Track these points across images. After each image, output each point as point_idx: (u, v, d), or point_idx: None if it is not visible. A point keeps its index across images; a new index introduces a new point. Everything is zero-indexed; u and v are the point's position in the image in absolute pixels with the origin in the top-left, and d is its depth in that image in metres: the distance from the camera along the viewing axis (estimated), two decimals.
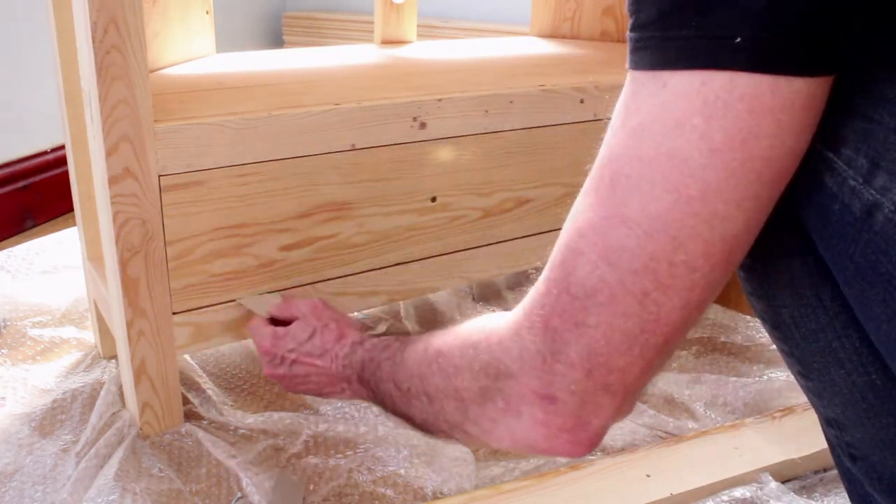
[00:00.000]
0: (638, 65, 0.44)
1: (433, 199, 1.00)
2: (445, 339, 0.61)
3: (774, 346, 1.18)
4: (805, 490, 0.88)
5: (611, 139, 0.46)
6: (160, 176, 0.81)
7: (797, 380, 0.55)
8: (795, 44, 0.39)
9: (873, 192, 0.41)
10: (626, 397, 0.50)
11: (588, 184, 0.48)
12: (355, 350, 0.77)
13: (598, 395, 0.49)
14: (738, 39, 0.39)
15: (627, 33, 0.45)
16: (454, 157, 0.99)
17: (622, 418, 0.53)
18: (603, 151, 0.47)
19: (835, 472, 0.90)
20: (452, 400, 0.58)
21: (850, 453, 0.54)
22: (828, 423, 0.55)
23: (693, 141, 0.42)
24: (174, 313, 0.87)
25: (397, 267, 1.02)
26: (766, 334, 1.23)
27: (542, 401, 0.50)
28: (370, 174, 0.94)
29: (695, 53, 0.41)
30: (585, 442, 0.51)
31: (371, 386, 0.72)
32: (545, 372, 0.49)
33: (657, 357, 0.49)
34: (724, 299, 1.28)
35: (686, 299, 0.46)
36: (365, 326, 0.85)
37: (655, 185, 0.43)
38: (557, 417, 0.50)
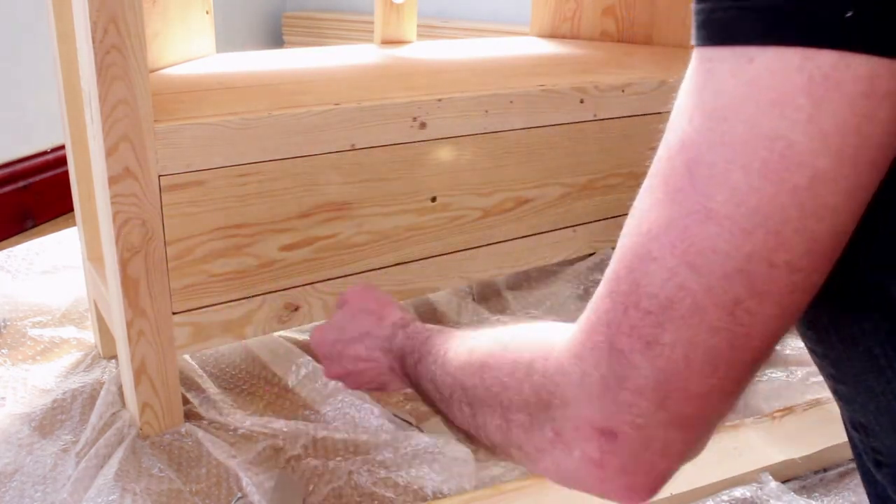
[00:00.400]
0: (711, 39, 0.38)
1: (433, 199, 1.00)
2: (493, 348, 0.54)
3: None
4: (805, 490, 0.88)
5: (682, 125, 0.40)
6: (160, 176, 0.81)
7: (826, 381, 0.52)
8: None
9: None
10: (701, 434, 0.43)
11: (652, 179, 0.41)
12: (396, 333, 0.72)
13: (669, 431, 0.42)
14: (850, 13, 0.34)
15: (693, 4, 0.39)
16: (454, 157, 0.99)
17: (698, 453, 0.45)
18: (670, 140, 0.40)
19: (835, 472, 0.90)
20: (497, 419, 0.51)
21: (875, 459, 0.51)
22: (854, 427, 0.52)
23: (799, 123, 0.36)
24: (174, 313, 0.87)
25: (397, 267, 1.02)
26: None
27: (600, 436, 0.43)
28: (370, 174, 0.94)
29: (792, 28, 0.36)
30: (645, 488, 0.44)
31: (412, 379, 0.67)
32: (609, 401, 0.42)
33: (742, 380, 0.42)
34: None
35: (784, 307, 0.40)
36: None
37: (751, 172, 0.37)
38: (616, 457, 0.43)
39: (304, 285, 0.95)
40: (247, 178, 0.86)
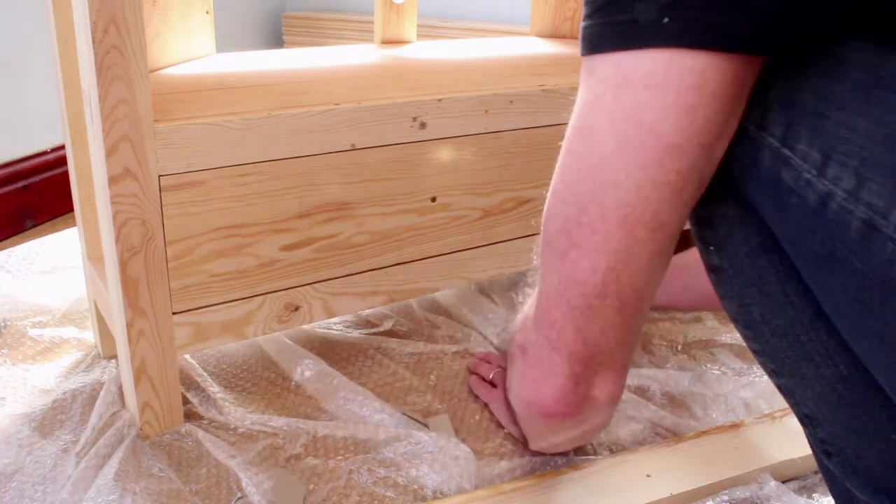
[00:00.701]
0: (582, 51, 0.50)
1: (433, 199, 1.00)
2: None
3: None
4: (805, 490, 0.88)
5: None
6: (160, 176, 0.81)
7: (771, 378, 0.57)
8: (688, 22, 0.43)
9: (826, 183, 0.43)
10: (571, 360, 0.59)
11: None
12: None
13: (545, 351, 0.59)
14: (637, 20, 0.45)
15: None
16: (454, 157, 0.99)
17: (595, 384, 0.62)
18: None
19: None
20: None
21: (824, 449, 0.55)
22: (802, 422, 0.57)
23: (601, 116, 0.48)
24: (174, 313, 0.87)
25: (397, 267, 1.02)
26: None
27: (521, 354, 0.65)
28: (370, 174, 0.94)
29: (607, 37, 0.47)
30: (549, 397, 0.62)
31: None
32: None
33: (585, 320, 0.56)
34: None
35: (595, 262, 0.52)
36: None
37: (570, 156, 0.52)
38: (527, 367, 0.64)
39: (304, 285, 0.95)
40: (247, 178, 0.86)
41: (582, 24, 0.49)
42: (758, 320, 0.54)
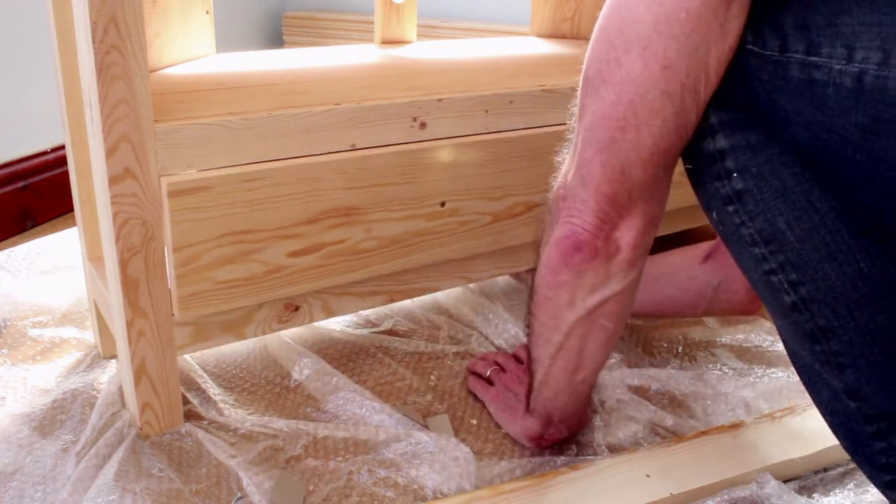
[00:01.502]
0: None
1: (442, 204, 0.99)
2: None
3: (775, 349, 1.17)
4: (805, 490, 0.88)
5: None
6: (166, 181, 0.80)
7: (788, 296, 0.61)
8: None
9: (856, 65, 0.51)
10: (598, 196, 0.66)
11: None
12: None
13: (579, 189, 0.68)
14: None
15: None
16: (461, 160, 0.98)
17: (612, 232, 0.69)
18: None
19: (835, 472, 0.90)
20: None
21: (838, 363, 0.60)
22: (814, 338, 0.60)
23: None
24: (177, 322, 0.87)
25: (406, 273, 1.02)
26: (772, 337, 1.22)
27: (561, 187, 0.72)
28: (376, 178, 0.93)
29: None
30: (578, 228, 0.69)
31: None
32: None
33: (609, 154, 0.64)
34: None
35: (618, 94, 0.61)
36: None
37: (605, 6, 0.61)
38: (566, 209, 0.71)
39: (311, 293, 0.95)
40: (254, 182, 0.85)
41: None
42: (783, 229, 0.59)
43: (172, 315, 0.87)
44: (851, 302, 0.58)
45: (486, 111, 0.99)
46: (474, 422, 0.98)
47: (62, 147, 0.98)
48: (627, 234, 0.69)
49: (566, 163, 0.71)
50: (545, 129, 1.04)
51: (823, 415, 0.65)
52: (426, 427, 0.95)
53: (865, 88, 0.50)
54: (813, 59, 0.53)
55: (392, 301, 1.05)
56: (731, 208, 0.61)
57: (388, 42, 1.27)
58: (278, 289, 0.91)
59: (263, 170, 0.85)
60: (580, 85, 0.67)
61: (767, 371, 1.09)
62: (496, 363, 1.04)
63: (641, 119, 0.61)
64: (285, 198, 0.87)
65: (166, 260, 0.84)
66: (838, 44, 0.52)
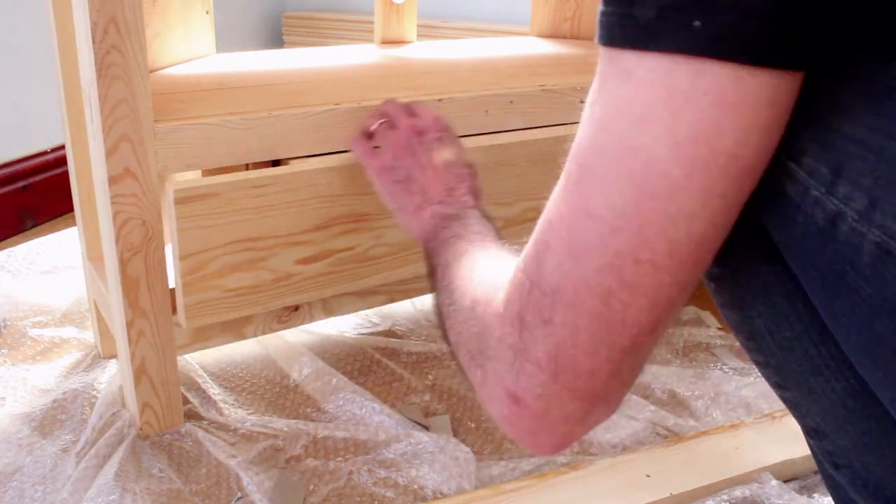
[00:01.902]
0: (601, 39, 0.43)
1: None
2: (472, 271, 0.61)
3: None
4: (805, 490, 0.88)
5: (581, 128, 0.45)
6: (173, 187, 0.78)
7: (774, 391, 0.54)
8: (760, 32, 0.38)
9: (836, 202, 0.39)
10: (596, 403, 0.48)
11: (561, 176, 0.47)
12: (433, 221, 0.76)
13: (566, 401, 0.47)
14: (698, 23, 0.38)
15: (599, 6, 0.43)
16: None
17: (601, 422, 0.50)
18: (575, 140, 0.46)
19: None
20: (455, 335, 0.58)
21: (832, 461, 0.53)
22: (808, 434, 0.54)
23: (658, 136, 0.40)
24: (183, 327, 0.87)
25: (416, 279, 1.00)
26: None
27: (509, 398, 0.48)
28: None
29: (655, 34, 0.40)
30: (550, 446, 0.50)
31: (429, 252, 0.72)
32: (515, 369, 0.47)
33: (627, 360, 0.46)
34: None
35: (653, 299, 0.44)
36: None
37: (620, 179, 0.42)
38: (523, 419, 0.48)
39: (319, 300, 0.93)
40: (263, 189, 0.83)
41: (613, 5, 0.42)
42: (762, 332, 0.50)
43: (179, 325, 0.86)
44: (841, 416, 0.49)
45: (486, 111, 0.99)
46: (474, 421, 0.98)
47: (62, 147, 0.98)
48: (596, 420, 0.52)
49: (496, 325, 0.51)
50: (558, 133, 1.02)
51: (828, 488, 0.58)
52: (426, 427, 0.95)
53: (838, 237, 0.40)
54: (792, 165, 0.42)
55: (392, 301, 1.05)
56: (710, 285, 0.52)
57: (388, 42, 1.27)
58: (286, 296, 0.89)
59: (273, 175, 0.84)
60: (545, 276, 0.46)
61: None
62: (384, 116, 0.88)
63: (678, 309, 0.47)
64: (295, 204, 0.86)
65: (173, 268, 0.82)
66: (824, 158, 0.40)
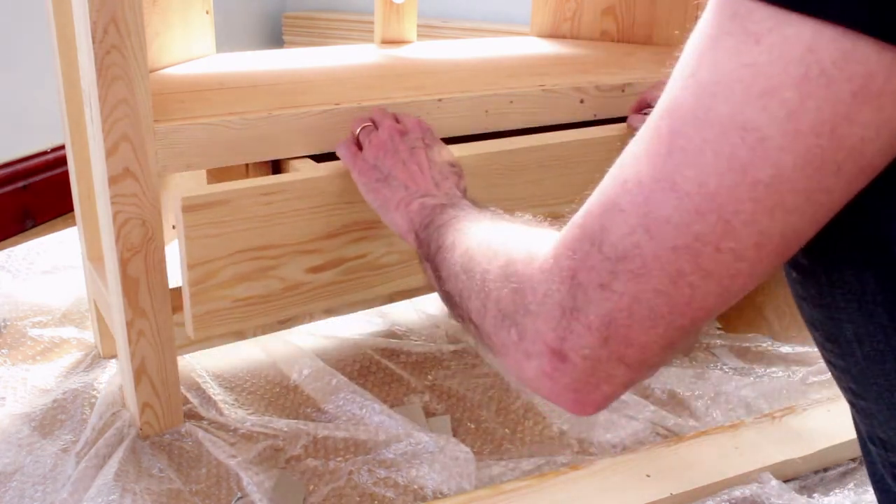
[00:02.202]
0: None
1: None
2: (489, 238, 0.57)
3: (775, 349, 1.17)
4: (805, 490, 0.88)
5: (677, 86, 0.39)
6: (181, 195, 0.75)
7: (844, 394, 0.51)
8: None
9: None
10: (641, 371, 0.46)
11: (644, 131, 0.41)
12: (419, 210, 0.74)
13: (611, 365, 0.45)
14: None
15: None
16: (485, 171, 0.93)
17: (635, 385, 0.48)
18: (665, 97, 0.40)
19: (835, 471, 0.90)
20: (477, 302, 0.54)
21: (893, 473, 0.51)
22: (872, 441, 0.51)
23: (778, 118, 0.35)
24: (192, 342, 0.86)
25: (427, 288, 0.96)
26: (772, 337, 1.22)
27: (552, 355, 0.45)
28: None
29: None
30: (590, 404, 0.47)
31: (425, 251, 0.68)
32: (561, 327, 0.44)
33: (681, 338, 0.44)
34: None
35: (725, 287, 0.41)
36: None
37: (720, 158, 0.37)
38: (565, 376, 0.46)
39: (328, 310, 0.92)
40: (273, 196, 0.80)
41: None
42: (850, 338, 0.46)
43: (189, 337, 0.84)
44: None
45: (486, 111, 0.99)
46: (474, 421, 0.98)
47: (62, 147, 0.98)
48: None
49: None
50: (570, 137, 0.98)
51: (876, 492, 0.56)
52: (426, 427, 0.95)
53: None
54: None
55: (392, 301, 1.05)
56: (792, 273, 0.49)
57: (388, 42, 1.27)
58: (296, 306, 0.87)
59: (283, 182, 0.81)
60: (619, 244, 0.42)
61: (768, 370, 1.09)
62: (371, 121, 0.87)
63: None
64: (305, 211, 0.83)
65: (180, 277, 0.80)
66: None
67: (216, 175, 0.97)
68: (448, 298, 0.60)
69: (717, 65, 0.37)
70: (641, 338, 0.43)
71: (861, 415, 0.51)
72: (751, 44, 0.36)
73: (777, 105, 0.35)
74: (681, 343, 0.45)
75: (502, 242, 0.54)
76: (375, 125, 0.85)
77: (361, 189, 0.81)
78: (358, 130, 0.85)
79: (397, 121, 0.86)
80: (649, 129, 0.41)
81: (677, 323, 0.42)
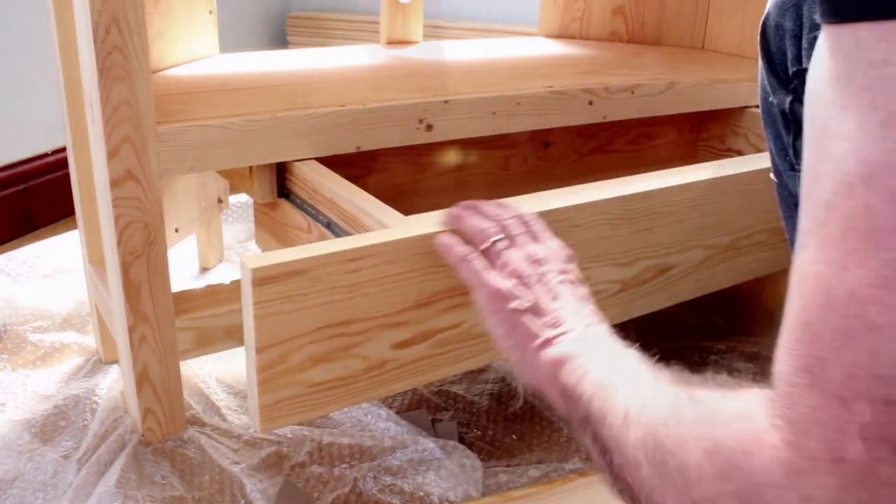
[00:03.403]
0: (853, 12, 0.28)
1: None
2: (670, 407, 0.43)
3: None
4: None
5: (846, 132, 0.29)
6: (250, 265, 0.63)
7: None
8: None
9: None
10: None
11: (827, 220, 0.31)
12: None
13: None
14: None
15: None
16: (587, 223, 0.82)
17: None
18: (836, 155, 0.30)
19: None
20: (674, 499, 0.40)
21: None
22: None
23: None
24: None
25: None
26: (777, 343, 1.22)
27: None
28: None
29: None
30: None
31: (580, 415, 0.53)
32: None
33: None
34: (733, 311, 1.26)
35: None
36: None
37: None
38: None
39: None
40: (359, 262, 0.68)
41: None
42: None
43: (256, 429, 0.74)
44: None
45: (494, 113, 0.97)
46: (481, 427, 0.97)
47: (63, 149, 0.97)
48: None
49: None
50: (687, 180, 0.88)
51: None
52: (432, 433, 0.94)
53: None
54: None
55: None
56: None
57: (393, 42, 1.26)
58: (379, 387, 0.74)
59: (372, 245, 0.69)
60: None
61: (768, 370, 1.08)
62: (502, 227, 0.68)
63: None
64: (395, 278, 0.71)
65: (246, 362, 0.67)
66: None
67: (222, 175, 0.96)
68: (626, 490, 0.46)
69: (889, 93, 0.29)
70: None
71: None
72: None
73: None
74: None
75: (691, 415, 0.41)
76: (507, 235, 0.67)
77: (487, 317, 0.65)
78: (488, 244, 0.67)
79: (536, 238, 0.68)
80: (839, 209, 0.30)
81: None
